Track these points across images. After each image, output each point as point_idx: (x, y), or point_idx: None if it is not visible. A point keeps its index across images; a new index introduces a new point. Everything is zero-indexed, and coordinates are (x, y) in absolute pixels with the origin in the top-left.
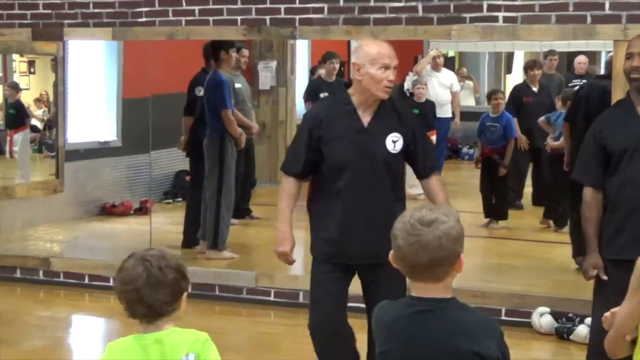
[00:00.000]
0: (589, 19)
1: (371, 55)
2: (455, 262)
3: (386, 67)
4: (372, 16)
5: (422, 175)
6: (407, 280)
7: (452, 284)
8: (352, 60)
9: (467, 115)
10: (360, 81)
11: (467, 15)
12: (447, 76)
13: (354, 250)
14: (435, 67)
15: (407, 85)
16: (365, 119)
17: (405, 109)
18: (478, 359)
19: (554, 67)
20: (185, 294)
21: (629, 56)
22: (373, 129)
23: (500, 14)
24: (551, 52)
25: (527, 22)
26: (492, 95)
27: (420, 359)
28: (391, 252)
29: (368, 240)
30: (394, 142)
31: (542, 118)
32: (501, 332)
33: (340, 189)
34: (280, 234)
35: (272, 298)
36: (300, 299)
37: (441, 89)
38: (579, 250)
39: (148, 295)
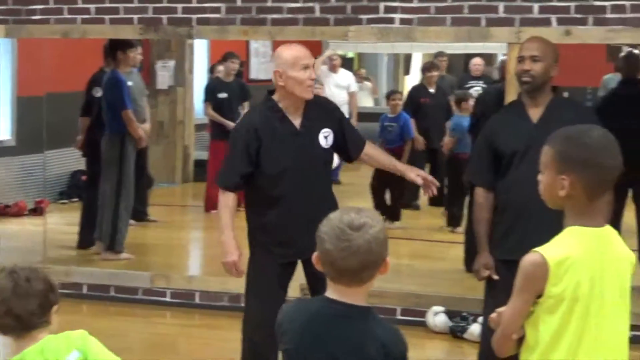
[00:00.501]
0: (483, 22)
1: (289, 59)
2: (381, 265)
3: (306, 67)
4: (269, 16)
5: (359, 149)
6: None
7: (371, 287)
8: (274, 68)
9: (365, 116)
10: (284, 86)
11: (364, 17)
12: (344, 77)
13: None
14: (332, 68)
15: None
16: (296, 121)
17: (325, 101)
18: None
19: (444, 68)
20: (55, 307)
21: (520, 59)
22: (306, 130)
23: (397, 16)
24: (440, 54)
25: (423, 24)
26: (390, 96)
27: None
28: (315, 254)
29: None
30: (325, 138)
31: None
32: (407, 345)
33: (281, 195)
34: (226, 245)
35: (168, 299)
36: (197, 300)
37: (338, 89)
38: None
39: (16, 306)
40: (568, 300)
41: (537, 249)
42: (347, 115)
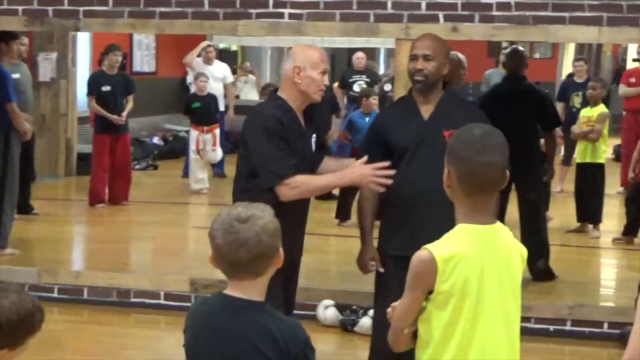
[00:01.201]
0: (372, 18)
1: (313, 59)
2: (274, 256)
3: (324, 73)
4: (157, 9)
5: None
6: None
7: (268, 281)
8: (292, 63)
9: (249, 109)
10: (299, 84)
11: (253, 11)
12: (220, 68)
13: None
14: (207, 60)
15: (190, 79)
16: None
17: (318, 105)
18: None
19: None
20: None
21: (413, 58)
22: (306, 132)
23: (286, 11)
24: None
25: (313, 19)
26: (264, 90)
27: (215, 355)
28: (211, 254)
29: None
30: (315, 143)
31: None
32: (305, 340)
33: None
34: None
35: (55, 295)
36: (85, 295)
37: (214, 81)
38: None
39: None
40: (457, 296)
41: (426, 246)
42: (222, 108)
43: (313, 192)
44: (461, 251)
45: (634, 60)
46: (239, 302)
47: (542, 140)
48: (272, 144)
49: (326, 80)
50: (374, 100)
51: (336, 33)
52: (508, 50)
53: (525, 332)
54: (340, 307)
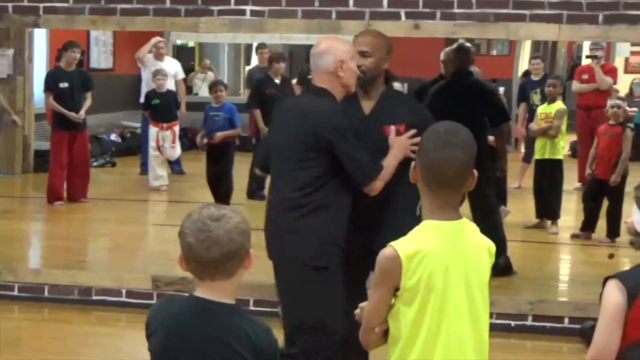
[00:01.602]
0: (334, 15)
1: (350, 50)
2: (245, 257)
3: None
4: (119, 6)
5: None
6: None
7: (238, 285)
8: (334, 58)
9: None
10: (342, 78)
11: (215, 8)
12: (171, 65)
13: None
14: (159, 57)
15: (144, 75)
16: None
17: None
18: None
19: (265, 60)
20: None
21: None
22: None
23: (248, 8)
24: (261, 46)
25: (274, 16)
26: (212, 87)
27: (188, 358)
28: (180, 254)
29: None
30: None
31: None
32: (276, 342)
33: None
34: None
35: (15, 293)
36: (45, 293)
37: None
38: None
39: None
40: (422, 292)
41: (391, 243)
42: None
43: (388, 178)
44: (425, 247)
45: (587, 57)
46: (213, 305)
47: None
48: (354, 141)
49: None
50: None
51: (298, 30)
52: (454, 46)
53: (495, 329)
54: None
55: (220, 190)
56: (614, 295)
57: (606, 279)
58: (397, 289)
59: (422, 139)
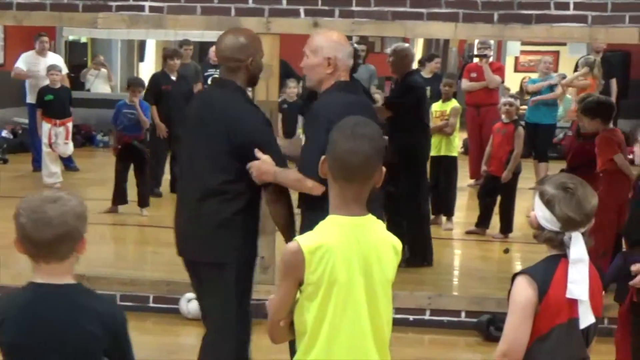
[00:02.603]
0: (233, 12)
1: (345, 45)
2: (79, 240)
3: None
4: (15, 1)
5: None
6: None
7: (74, 266)
8: (324, 55)
9: (101, 102)
10: (331, 74)
11: (113, 4)
12: (55, 60)
13: None
14: (41, 52)
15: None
16: None
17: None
18: (98, 343)
19: (189, 56)
20: None
21: None
22: None
23: (147, 4)
24: (186, 42)
25: (173, 13)
26: (131, 86)
27: (43, 345)
28: (15, 237)
29: None
30: None
31: None
32: (123, 314)
33: None
34: None
35: None
36: None
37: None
38: None
39: None
40: (325, 286)
41: (296, 237)
42: None
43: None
44: (328, 242)
45: (475, 55)
46: (55, 288)
47: None
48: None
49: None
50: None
51: (197, 27)
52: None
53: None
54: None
55: (143, 188)
56: (525, 290)
57: (515, 275)
58: (301, 284)
59: (332, 132)
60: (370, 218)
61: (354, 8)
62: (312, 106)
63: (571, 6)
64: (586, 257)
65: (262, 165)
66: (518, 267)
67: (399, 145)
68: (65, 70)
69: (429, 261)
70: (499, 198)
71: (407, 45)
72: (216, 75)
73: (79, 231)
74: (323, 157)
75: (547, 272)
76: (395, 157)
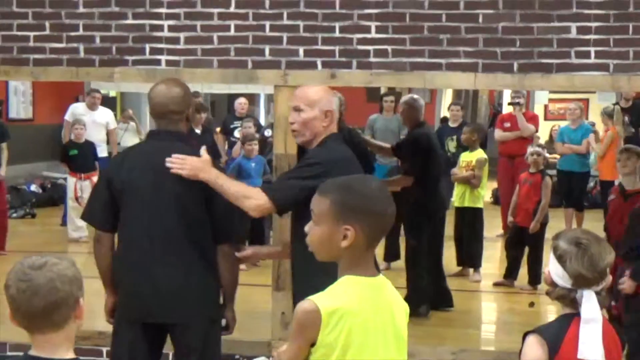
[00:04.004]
0: (250, 64)
1: (335, 100)
2: (74, 306)
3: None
4: (31, 56)
5: None
6: None
7: (74, 335)
8: (325, 108)
9: None
10: (327, 127)
11: (130, 58)
12: (103, 114)
13: None
14: (92, 106)
15: (68, 117)
16: None
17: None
18: None
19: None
20: None
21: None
22: None
23: (163, 57)
24: (195, 94)
25: (190, 66)
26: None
27: None
28: (9, 310)
29: None
30: None
31: None
32: None
33: None
34: None
35: None
36: None
37: (95, 127)
38: None
39: None
40: (340, 349)
41: (311, 297)
42: (106, 154)
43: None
44: (346, 304)
45: (509, 104)
46: None
47: None
48: None
49: (291, 117)
50: (249, 147)
51: (214, 80)
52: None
53: None
54: (222, 358)
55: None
56: (535, 350)
57: (526, 334)
58: (313, 344)
59: (357, 201)
60: (383, 278)
61: (372, 59)
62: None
63: (592, 54)
64: (599, 316)
65: (201, 162)
66: (547, 319)
67: (412, 200)
68: (114, 125)
69: (450, 303)
70: (526, 249)
71: (415, 96)
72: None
73: (72, 296)
74: (349, 227)
75: (559, 332)
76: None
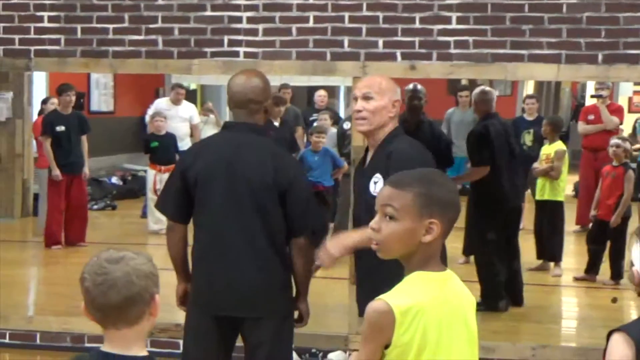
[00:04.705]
0: (328, 56)
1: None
2: (149, 303)
3: (354, 98)
4: (110, 49)
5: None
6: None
7: (148, 333)
8: (393, 98)
9: None
10: (393, 117)
11: (208, 50)
12: (187, 109)
13: None
14: (176, 101)
15: (151, 112)
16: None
17: (394, 146)
18: None
19: (288, 100)
20: None
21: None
22: (367, 169)
23: (241, 49)
24: (284, 86)
25: (268, 58)
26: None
27: None
28: (83, 303)
29: None
30: (375, 184)
31: None
32: None
33: None
34: None
35: (7, 340)
36: (37, 341)
37: (180, 122)
38: None
39: None
40: (416, 348)
41: (381, 296)
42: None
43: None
44: (420, 301)
45: (592, 96)
46: None
47: None
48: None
49: (358, 104)
50: (316, 139)
51: (292, 72)
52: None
53: None
54: (299, 351)
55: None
56: (621, 349)
57: (610, 332)
58: (387, 346)
59: (437, 193)
60: (450, 272)
61: (452, 51)
62: (390, 154)
63: None
64: None
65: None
66: (630, 314)
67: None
68: (197, 119)
69: (520, 302)
70: (608, 243)
71: (487, 88)
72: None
73: (147, 292)
74: (430, 222)
75: None
76: None
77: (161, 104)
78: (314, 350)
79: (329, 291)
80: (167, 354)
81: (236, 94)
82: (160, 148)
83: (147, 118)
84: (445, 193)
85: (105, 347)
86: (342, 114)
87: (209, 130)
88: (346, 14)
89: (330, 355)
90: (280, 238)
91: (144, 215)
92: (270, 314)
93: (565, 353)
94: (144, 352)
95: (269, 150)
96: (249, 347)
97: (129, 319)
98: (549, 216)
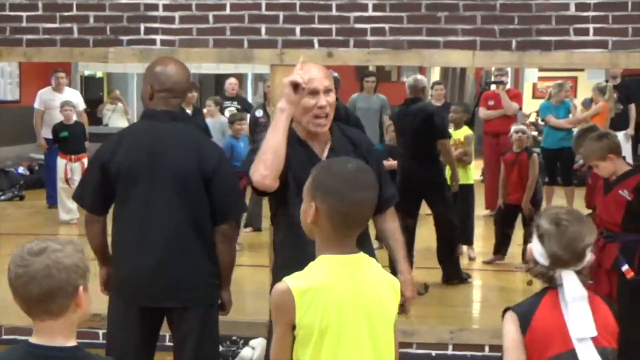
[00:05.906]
0: (246, 44)
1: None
2: (73, 295)
3: (314, 92)
4: (24, 37)
5: (378, 208)
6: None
7: (75, 324)
8: None
9: None
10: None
11: (124, 38)
12: (72, 96)
13: None
14: (58, 88)
15: (37, 105)
16: (318, 150)
17: (361, 137)
18: None
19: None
20: None
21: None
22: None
23: (158, 37)
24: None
25: (185, 46)
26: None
27: None
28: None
29: None
30: None
31: None
32: None
33: None
34: None
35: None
36: None
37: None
38: None
39: None
40: (317, 330)
41: (285, 278)
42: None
43: None
44: (319, 282)
45: (492, 82)
46: (47, 351)
47: None
48: None
49: (323, 101)
50: (238, 126)
51: (210, 59)
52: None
53: (406, 359)
54: (221, 339)
55: None
56: (509, 327)
57: (504, 311)
58: (294, 327)
59: (325, 180)
60: (363, 255)
61: (369, 38)
62: (367, 146)
63: (591, 31)
64: (584, 292)
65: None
66: None
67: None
68: (82, 106)
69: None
70: (522, 228)
71: (419, 76)
72: (232, 108)
73: (70, 284)
74: (308, 205)
75: (532, 305)
76: None
77: (45, 94)
78: (234, 338)
79: (249, 278)
80: (87, 344)
81: (177, 84)
82: (70, 137)
83: (35, 109)
84: (328, 180)
85: (33, 339)
86: (250, 101)
87: (117, 119)
88: (263, 2)
89: (252, 342)
90: (206, 226)
91: (50, 204)
92: (195, 302)
93: (483, 336)
94: (71, 343)
95: (192, 137)
96: (177, 337)
97: (52, 311)
98: (462, 199)
